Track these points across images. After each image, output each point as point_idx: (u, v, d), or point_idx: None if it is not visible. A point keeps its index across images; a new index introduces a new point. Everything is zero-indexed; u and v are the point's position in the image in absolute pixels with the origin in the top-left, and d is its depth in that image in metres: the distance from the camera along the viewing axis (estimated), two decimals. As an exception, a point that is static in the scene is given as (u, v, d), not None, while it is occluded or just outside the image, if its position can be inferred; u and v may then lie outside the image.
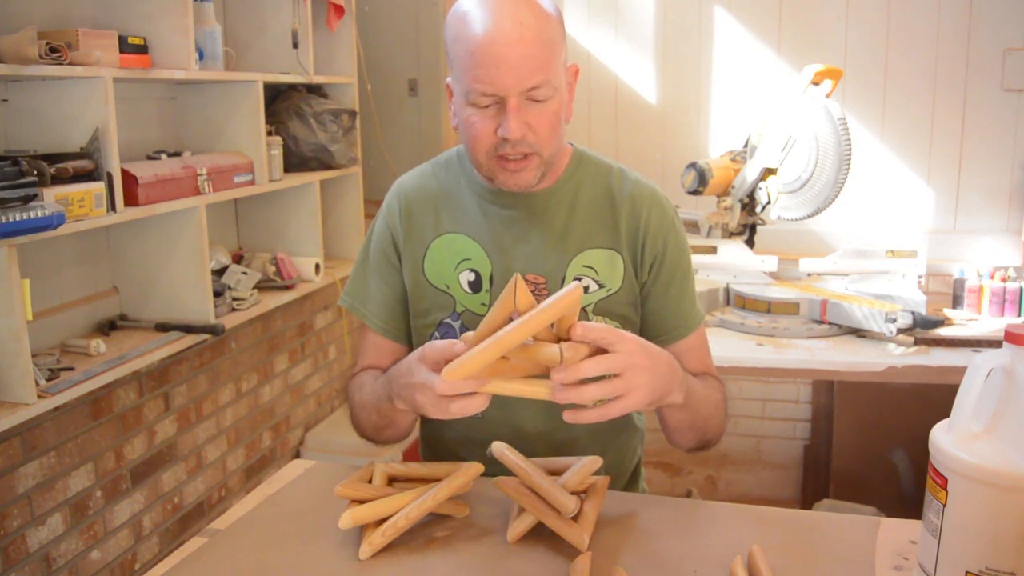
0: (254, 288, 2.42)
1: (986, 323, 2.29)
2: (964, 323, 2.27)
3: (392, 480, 1.10)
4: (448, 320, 1.22)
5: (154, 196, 1.99)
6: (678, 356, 1.11)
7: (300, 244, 2.70)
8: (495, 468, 1.07)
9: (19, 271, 1.63)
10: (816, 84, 2.33)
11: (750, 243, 2.54)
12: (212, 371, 2.49)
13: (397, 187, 1.30)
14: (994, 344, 2.05)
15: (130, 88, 2.19)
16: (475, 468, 1.05)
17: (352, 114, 2.77)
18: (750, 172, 2.42)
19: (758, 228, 2.57)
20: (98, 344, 1.96)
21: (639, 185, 1.25)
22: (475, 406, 0.96)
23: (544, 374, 0.95)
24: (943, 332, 2.16)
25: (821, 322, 2.18)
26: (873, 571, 0.95)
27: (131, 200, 1.93)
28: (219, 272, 2.40)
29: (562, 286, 1.18)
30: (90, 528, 2.06)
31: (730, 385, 2.20)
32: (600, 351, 0.95)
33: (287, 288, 2.56)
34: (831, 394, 2.90)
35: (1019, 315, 2.32)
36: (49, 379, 1.78)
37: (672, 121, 3.09)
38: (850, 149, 2.23)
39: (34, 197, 1.59)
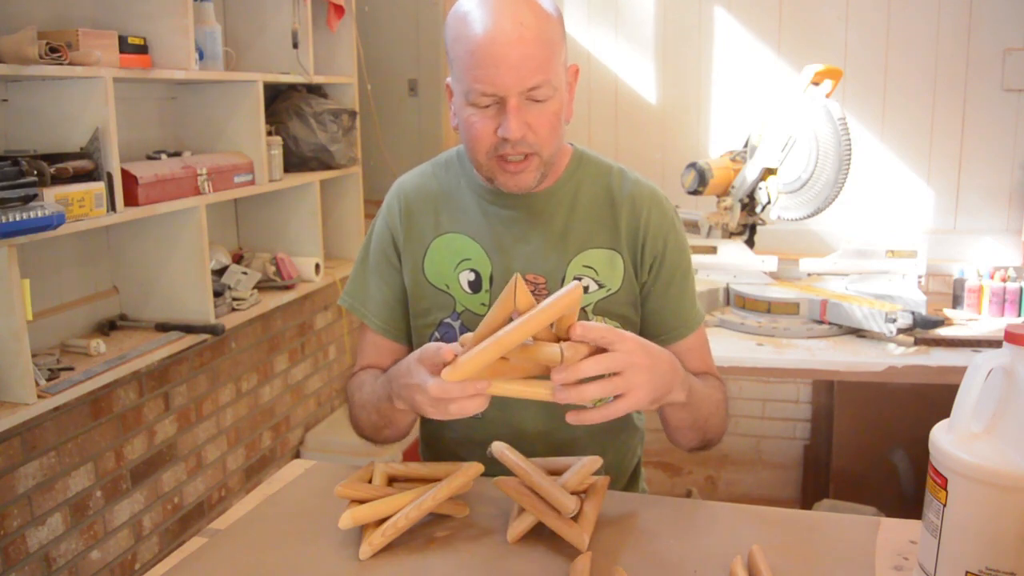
0: (254, 288, 2.42)
1: (986, 323, 2.29)
2: (964, 323, 2.27)
3: (392, 480, 1.10)
4: (448, 320, 1.22)
5: (154, 196, 1.99)
6: (679, 356, 1.10)
7: (300, 244, 2.70)
8: (495, 468, 1.07)
9: (19, 271, 1.63)
10: (816, 84, 2.33)
11: (750, 243, 2.54)
12: (212, 371, 2.49)
13: (397, 187, 1.30)
14: (994, 344, 2.05)
15: (130, 88, 2.19)
16: (475, 468, 1.05)
17: (352, 114, 2.77)
18: (750, 172, 2.42)
19: (758, 228, 2.57)
20: (98, 344, 1.96)
21: (639, 185, 1.25)
22: (474, 407, 0.96)
23: (544, 374, 0.95)
24: (943, 332, 2.16)
25: (821, 322, 2.18)
26: (873, 571, 0.95)
27: (131, 200, 1.93)
28: (219, 272, 2.40)
29: (562, 286, 1.18)
30: (90, 528, 2.06)
31: (730, 385, 2.20)
32: (600, 351, 0.95)
33: (287, 288, 2.56)
34: (831, 394, 2.90)
35: (1019, 315, 2.32)
36: (49, 379, 1.78)
37: (672, 121, 3.09)
38: (850, 149, 2.23)
39: (34, 197, 1.59)
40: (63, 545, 1.98)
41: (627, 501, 1.13)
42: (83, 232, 1.85)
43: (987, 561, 0.81)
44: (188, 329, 2.13)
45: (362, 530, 1.01)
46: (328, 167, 2.71)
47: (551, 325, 0.94)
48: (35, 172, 1.63)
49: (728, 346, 2.11)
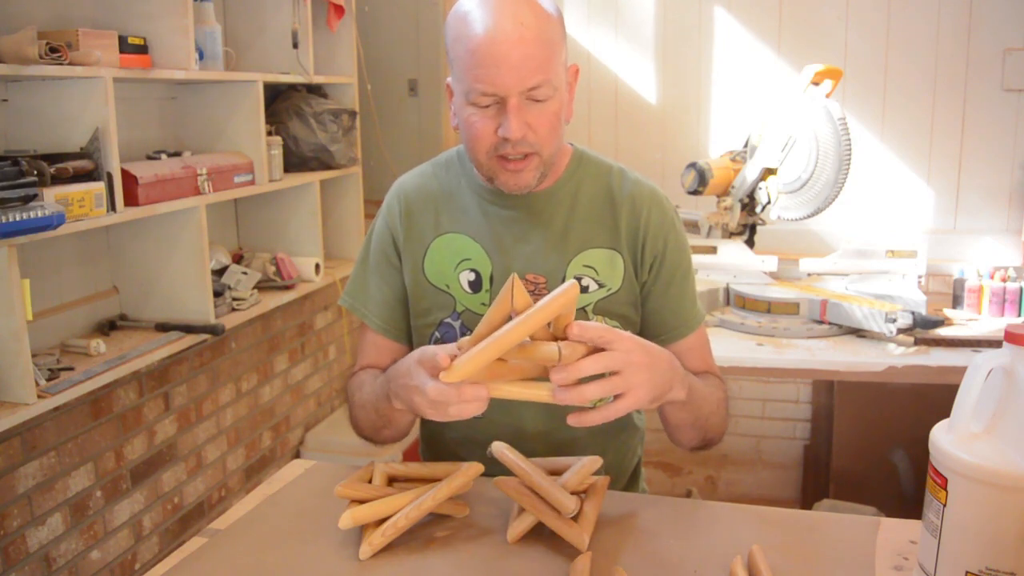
0: (254, 288, 2.42)
1: (986, 323, 2.29)
2: (964, 323, 2.27)
3: (392, 480, 1.10)
4: (448, 320, 1.22)
5: (154, 196, 1.99)
6: (679, 355, 1.11)
7: (300, 244, 2.70)
8: (495, 468, 1.07)
9: (19, 271, 1.63)
10: (816, 84, 2.33)
11: (750, 243, 2.54)
12: (212, 371, 2.49)
13: (397, 187, 1.30)
14: (994, 344, 2.05)
15: (130, 88, 2.19)
16: (475, 468, 1.05)
17: (352, 114, 2.77)
18: (750, 172, 2.42)
19: (758, 228, 2.57)
20: (98, 344, 1.96)
21: (639, 185, 1.25)
22: (473, 410, 0.96)
23: (543, 375, 0.95)
24: (943, 332, 2.16)
25: (821, 322, 2.18)
26: (873, 571, 0.95)
27: (131, 200, 1.93)
28: (219, 272, 2.40)
29: (562, 286, 1.18)
30: (90, 528, 2.06)
31: (730, 385, 2.19)
32: (598, 350, 0.95)
33: (287, 288, 2.56)
34: (831, 394, 2.90)
35: (1019, 315, 2.32)
36: (49, 379, 1.78)
37: (672, 121, 3.09)
38: (850, 149, 2.23)
39: (34, 197, 1.59)
40: (63, 545, 1.98)
41: (627, 501, 1.13)
42: (83, 232, 1.85)
43: (987, 561, 0.81)
44: (188, 329, 2.13)
45: (362, 530, 1.01)
46: (328, 167, 2.71)
47: (548, 325, 0.94)
48: (35, 172, 1.63)
49: (728, 346, 2.11)
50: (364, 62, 2.94)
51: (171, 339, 2.08)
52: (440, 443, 1.31)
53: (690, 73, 3.05)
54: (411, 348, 1.26)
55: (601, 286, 1.21)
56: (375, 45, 3.14)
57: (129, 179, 1.92)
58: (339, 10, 2.76)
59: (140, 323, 2.17)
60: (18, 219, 1.54)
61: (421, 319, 1.24)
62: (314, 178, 2.65)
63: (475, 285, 1.21)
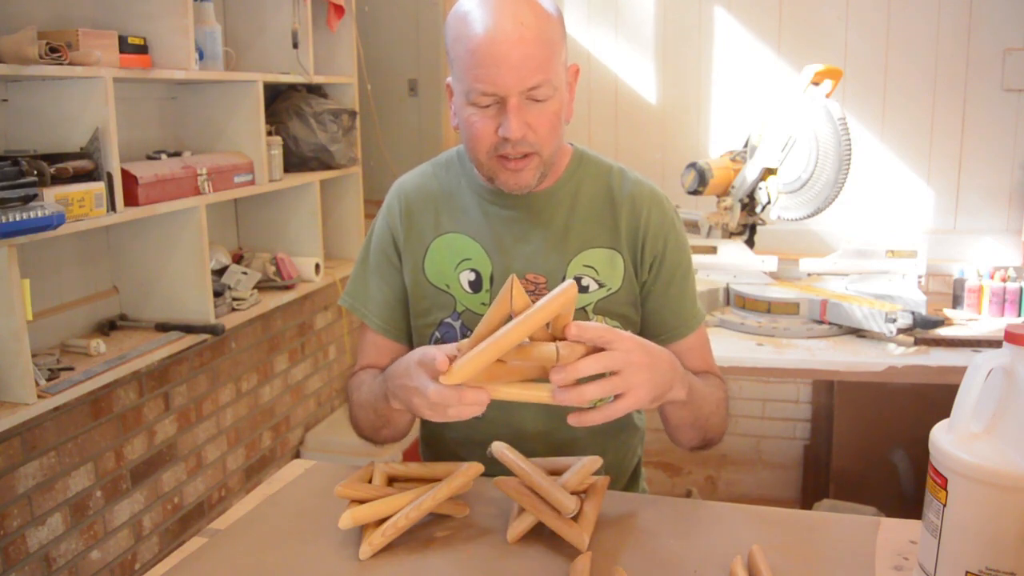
0: (254, 288, 2.42)
1: (986, 323, 2.29)
2: (964, 323, 2.27)
3: (392, 480, 1.10)
4: (448, 320, 1.22)
5: (154, 196, 1.99)
6: (679, 355, 1.10)
7: (300, 244, 2.70)
8: (495, 468, 1.07)
9: (19, 271, 1.63)
10: (816, 84, 2.33)
11: (750, 243, 2.54)
12: (212, 371, 2.50)
13: (397, 187, 1.30)
14: (994, 344, 2.05)
15: (130, 88, 2.19)
16: (475, 468, 1.05)
17: (352, 114, 2.77)
18: (750, 172, 2.42)
19: (758, 228, 2.57)
20: (98, 344, 1.96)
21: (639, 185, 1.25)
22: (472, 412, 0.96)
23: (543, 376, 0.95)
24: (943, 332, 2.16)
25: (821, 322, 2.18)
26: (873, 571, 0.95)
27: (131, 200, 1.93)
28: (219, 272, 2.40)
29: (562, 286, 1.18)
30: (90, 528, 2.06)
31: (730, 385, 2.19)
32: (597, 350, 0.95)
33: (287, 288, 2.56)
34: (831, 394, 2.90)
35: (1019, 315, 2.32)
36: (49, 379, 1.78)
37: (672, 121, 3.09)
38: (850, 149, 2.23)
39: (34, 197, 1.59)
40: (63, 545, 1.98)
41: (627, 501, 1.13)
42: (83, 232, 1.85)
43: (987, 561, 0.81)
44: (188, 329, 2.13)
45: (362, 530, 1.01)
46: (328, 167, 2.71)
47: (547, 325, 0.94)
48: (35, 172, 1.63)
49: (728, 346, 2.11)
50: (364, 62, 2.94)
51: (171, 339, 2.08)
52: (440, 443, 1.31)
53: (690, 73, 3.04)
54: (411, 348, 1.25)
55: (601, 286, 1.21)
56: (375, 45, 3.14)
57: (129, 179, 1.92)
58: (339, 10, 2.76)
59: (140, 323, 2.17)
60: (18, 219, 1.54)
61: (421, 319, 1.24)
62: (314, 178, 2.65)
63: (475, 285, 1.21)
